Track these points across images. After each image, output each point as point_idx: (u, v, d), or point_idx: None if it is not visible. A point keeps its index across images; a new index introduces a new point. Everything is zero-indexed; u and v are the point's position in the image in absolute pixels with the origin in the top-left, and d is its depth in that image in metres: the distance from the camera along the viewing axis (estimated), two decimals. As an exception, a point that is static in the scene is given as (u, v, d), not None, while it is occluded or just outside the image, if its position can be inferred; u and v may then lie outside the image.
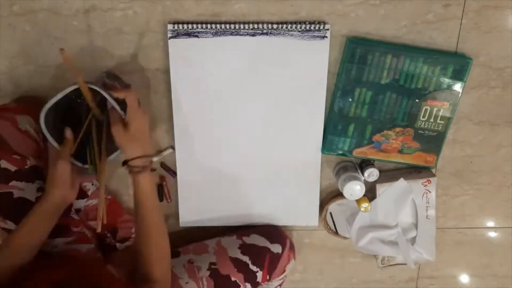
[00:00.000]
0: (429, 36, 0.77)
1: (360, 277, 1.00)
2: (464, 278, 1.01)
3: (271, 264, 0.82)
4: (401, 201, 0.86)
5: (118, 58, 0.77)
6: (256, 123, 0.81)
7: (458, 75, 0.77)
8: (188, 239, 0.92)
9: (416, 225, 0.89)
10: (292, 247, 0.86)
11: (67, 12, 0.73)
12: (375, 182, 0.85)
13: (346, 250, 0.95)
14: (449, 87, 0.78)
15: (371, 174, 0.83)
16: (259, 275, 0.80)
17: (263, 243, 0.83)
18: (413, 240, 0.89)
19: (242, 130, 0.81)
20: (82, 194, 0.79)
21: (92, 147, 0.73)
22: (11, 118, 0.70)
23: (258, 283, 0.81)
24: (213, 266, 0.79)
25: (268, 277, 0.81)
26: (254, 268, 0.80)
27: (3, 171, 0.67)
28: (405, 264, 0.91)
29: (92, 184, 0.81)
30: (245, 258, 0.80)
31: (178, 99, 0.78)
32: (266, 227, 0.88)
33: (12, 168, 0.68)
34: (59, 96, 0.68)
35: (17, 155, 0.68)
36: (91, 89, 0.68)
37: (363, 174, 0.83)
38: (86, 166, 0.73)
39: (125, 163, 0.68)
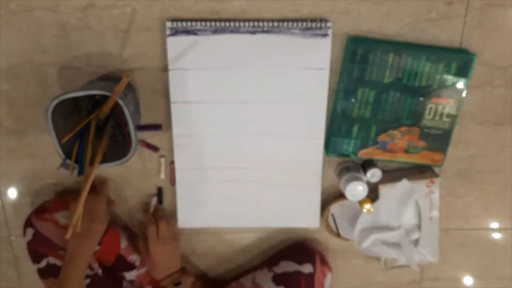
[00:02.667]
0: (432, 34, 0.76)
1: (362, 279, 0.99)
2: (468, 280, 1.01)
3: (308, 286, 0.81)
4: (404, 202, 0.85)
5: (116, 56, 0.76)
6: (256, 122, 0.80)
7: (462, 72, 0.76)
8: (188, 240, 0.92)
9: (419, 226, 0.88)
10: (323, 261, 0.86)
11: (65, 9, 0.73)
12: (378, 182, 0.84)
13: (348, 251, 0.94)
14: (453, 84, 0.77)
15: (374, 174, 0.82)
16: None
17: (293, 267, 0.82)
18: (416, 242, 0.88)
19: (242, 130, 0.80)
20: (130, 266, 0.85)
21: (86, 149, 0.72)
22: (51, 218, 0.79)
23: None
24: None
25: None
26: None
27: (52, 267, 0.76)
28: (408, 265, 0.90)
29: (138, 255, 0.86)
30: None
31: (177, 98, 0.77)
32: (292, 248, 0.87)
33: (59, 262, 0.76)
34: (80, 94, 0.67)
35: (62, 250, 0.76)
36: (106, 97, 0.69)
37: (365, 175, 0.82)
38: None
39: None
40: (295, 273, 0.81)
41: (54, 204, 0.82)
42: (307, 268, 0.82)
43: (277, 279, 0.82)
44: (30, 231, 0.79)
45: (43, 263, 0.77)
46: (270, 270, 0.84)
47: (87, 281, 0.78)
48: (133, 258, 0.85)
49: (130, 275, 0.85)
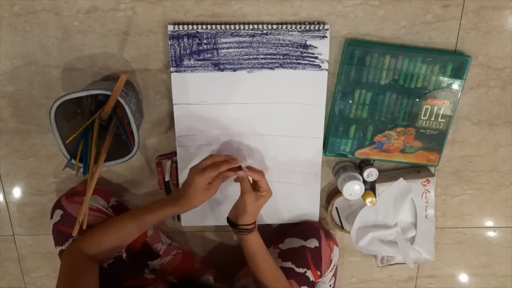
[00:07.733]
0: (428, 37, 0.77)
1: (359, 276, 1.00)
2: (463, 278, 1.02)
3: (315, 259, 0.81)
4: (401, 201, 0.86)
5: (119, 59, 0.77)
6: (257, 123, 0.81)
7: (458, 73, 0.77)
8: (191, 238, 0.94)
9: (415, 225, 0.90)
10: (328, 236, 0.86)
11: (68, 12, 0.74)
12: (375, 182, 0.85)
13: (346, 249, 0.96)
14: (449, 85, 0.78)
15: (370, 174, 0.83)
16: (309, 274, 0.80)
17: (299, 243, 0.82)
18: (412, 240, 0.90)
19: (243, 131, 0.81)
20: (155, 255, 0.85)
21: (90, 148, 0.74)
22: (80, 201, 0.76)
23: (313, 283, 0.81)
24: None
25: (319, 272, 0.81)
26: (300, 270, 0.79)
27: None
28: (405, 263, 0.91)
29: (162, 244, 0.87)
30: (288, 264, 0.80)
31: (179, 100, 0.78)
32: (296, 227, 0.88)
33: None
34: (82, 94, 0.69)
35: None
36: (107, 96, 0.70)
37: (362, 174, 0.83)
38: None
39: (233, 225, 0.75)
40: (301, 248, 0.82)
41: (85, 189, 0.80)
42: (312, 243, 0.83)
43: (283, 255, 0.82)
44: (58, 212, 0.78)
45: (67, 244, 0.75)
46: (275, 247, 0.85)
47: (110, 260, 0.77)
48: (158, 246, 0.86)
49: (153, 264, 0.85)
